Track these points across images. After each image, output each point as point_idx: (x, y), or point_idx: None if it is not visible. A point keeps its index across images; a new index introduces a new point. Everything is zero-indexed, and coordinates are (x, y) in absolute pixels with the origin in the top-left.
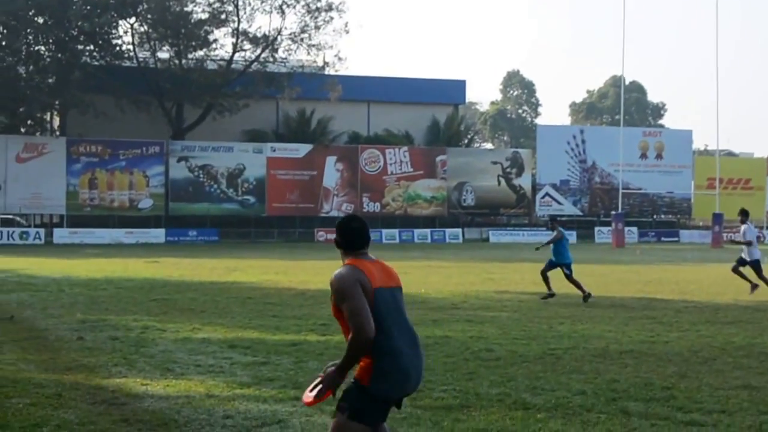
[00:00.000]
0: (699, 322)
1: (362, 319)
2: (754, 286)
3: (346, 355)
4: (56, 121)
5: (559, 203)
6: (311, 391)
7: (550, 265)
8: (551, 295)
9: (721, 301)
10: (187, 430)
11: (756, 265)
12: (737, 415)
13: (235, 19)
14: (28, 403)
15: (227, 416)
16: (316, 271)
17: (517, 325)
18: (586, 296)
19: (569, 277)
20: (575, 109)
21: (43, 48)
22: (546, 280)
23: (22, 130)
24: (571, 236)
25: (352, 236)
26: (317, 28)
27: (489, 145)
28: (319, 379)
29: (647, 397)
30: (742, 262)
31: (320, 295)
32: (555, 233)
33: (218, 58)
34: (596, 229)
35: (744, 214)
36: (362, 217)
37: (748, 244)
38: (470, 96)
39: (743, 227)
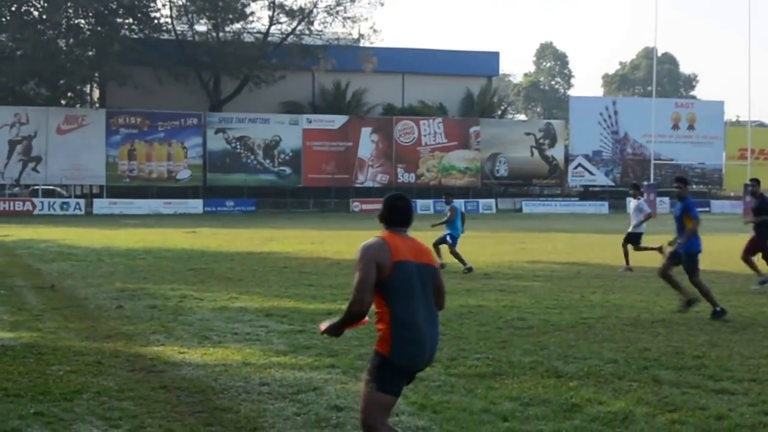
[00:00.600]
0: (730, 292)
1: (360, 293)
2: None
3: (342, 316)
4: (96, 94)
5: (591, 174)
6: (323, 325)
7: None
8: (468, 269)
9: (751, 271)
10: (224, 397)
11: (635, 238)
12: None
13: None
14: (68, 371)
15: (263, 383)
16: (351, 241)
17: (549, 295)
18: (468, 269)
19: (452, 248)
20: (608, 80)
21: (83, 21)
22: (457, 256)
23: (63, 102)
24: (603, 206)
25: (395, 214)
26: (353, 0)
27: (522, 117)
28: (329, 322)
29: (678, 366)
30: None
31: (355, 265)
32: (448, 212)
33: (255, 30)
34: (628, 199)
35: (635, 188)
36: (398, 187)
37: (648, 217)
38: (503, 68)
39: (635, 201)
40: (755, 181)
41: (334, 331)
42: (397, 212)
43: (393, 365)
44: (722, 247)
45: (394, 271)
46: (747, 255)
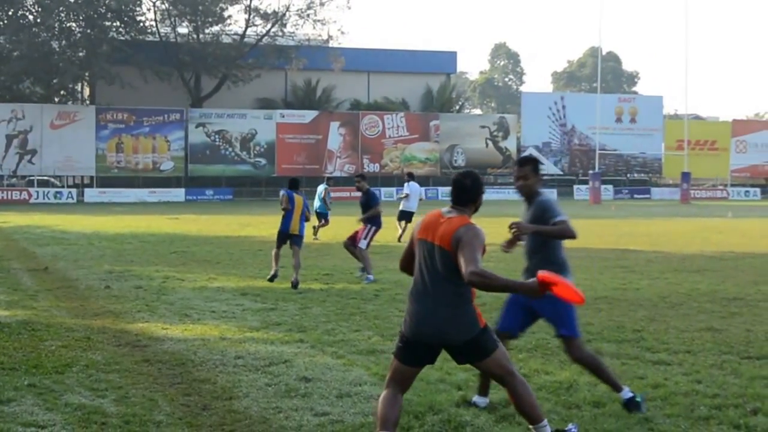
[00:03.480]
0: (667, 270)
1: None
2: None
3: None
4: (86, 91)
5: (541, 163)
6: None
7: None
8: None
9: (687, 251)
10: (202, 369)
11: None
12: (701, 355)
13: None
14: (59, 345)
15: (238, 357)
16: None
17: (502, 273)
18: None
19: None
20: (556, 77)
21: (74, 24)
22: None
23: (56, 99)
24: (552, 193)
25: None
26: (322, 4)
27: (478, 111)
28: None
29: (619, 339)
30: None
31: (324, 248)
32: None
33: (232, 32)
34: (575, 187)
35: (410, 176)
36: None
37: (406, 197)
38: (461, 66)
39: (407, 185)
40: (360, 177)
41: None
42: (452, 186)
43: (400, 332)
44: (661, 230)
45: (415, 247)
46: (351, 243)
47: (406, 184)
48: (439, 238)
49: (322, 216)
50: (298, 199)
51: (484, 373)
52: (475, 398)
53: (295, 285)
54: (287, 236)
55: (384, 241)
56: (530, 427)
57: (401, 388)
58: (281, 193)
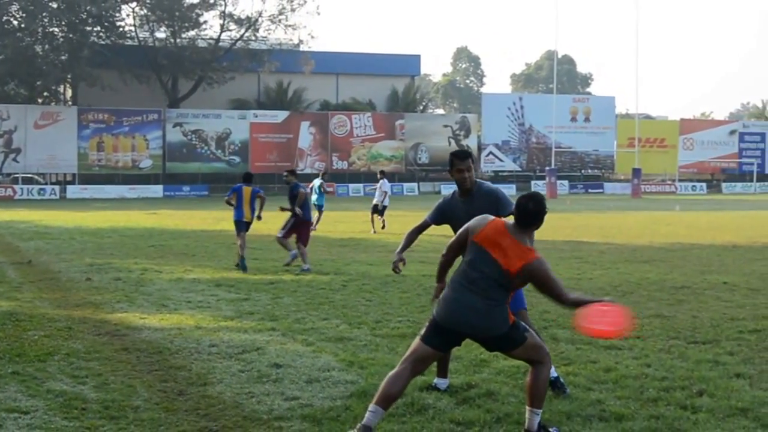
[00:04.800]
0: (619, 261)
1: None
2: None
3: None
4: (68, 93)
5: (501, 160)
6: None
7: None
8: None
9: (638, 243)
10: (178, 357)
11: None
12: (650, 340)
13: (223, 3)
14: (42, 335)
15: (213, 345)
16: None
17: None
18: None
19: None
20: (515, 79)
21: (56, 29)
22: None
23: (39, 101)
24: (511, 188)
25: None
26: (293, 10)
27: (441, 111)
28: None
29: (573, 326)
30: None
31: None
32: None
33: (208, 37)
34: (532, 182)
35: (382, 173)
36: (333, 173)
37: (385, 195)
38: (424, 69)
39: (381, 182)
40: (290, 172)
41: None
42: (519, 211)
43: (432, 318)
44: (613, 223)
45: (470, 245)
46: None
47: (383, 181)
48: (504, 259)
49: (320, 208)
50: (246, 190)
51: (517, 359)
52: (436, 380)
53: (241, 265)
54: (242, 223)
55: (351, 234)
56: (529, 408)
57: (416, 369)
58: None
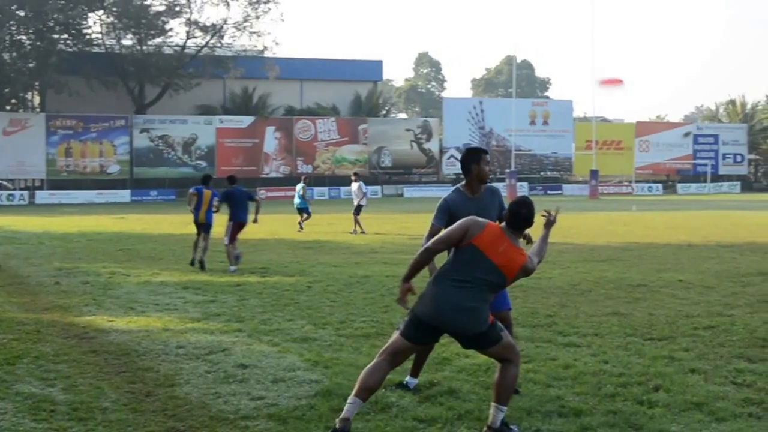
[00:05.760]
0: (577, 260)
1: (437, 237)
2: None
3: None
4: (37, 100)
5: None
6: None
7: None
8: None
9: (596, 242)
10: (146, 359)
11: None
12: (607, 337)
13: (188, 10)
14: (11, 338)
15: (180, 346)
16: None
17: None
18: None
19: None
20: (476, 84)
21: (24, 37)
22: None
23: (8, 108)
24: None
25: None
26: (257, 17)
27: (403, 115)
28: None
29: (533, 324)
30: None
31: (261, 243)
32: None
33: (173, 44)
34: (493, 184)
35: (356, 175)
36: (298, 177)
37: (363, 196)
38: (387, 74)
39: (355, 184)
40: (228, 178)
41: None
42: (512, 216)
43: (412, 312)
44: (572, 224)
45: (466, 246)
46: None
47: (360, 183)
48: (503, 263)
49: (303, 210)
50: (207, 193)
51: (489, 356)
52: (408, 379)
53: (201, 264)
54: (199, 225)
55: (315, 236)
56: (495, 404)
57: (394, 361)
58: (190, 190)
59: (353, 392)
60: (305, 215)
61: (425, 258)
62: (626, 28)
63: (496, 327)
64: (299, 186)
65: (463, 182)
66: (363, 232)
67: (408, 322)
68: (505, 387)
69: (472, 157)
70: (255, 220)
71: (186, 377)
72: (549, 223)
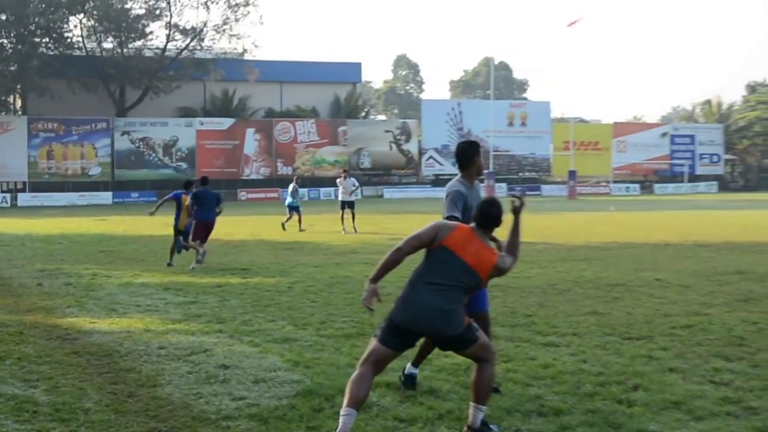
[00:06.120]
0: (556, 260)
1: (409, 237)
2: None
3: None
4: (18, 103)
5: (441, 164)
6: None
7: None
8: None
9: (574, 242)
10: (128, 360)
11: (350, 205)
12: (586, 337)
13: (168, 13)
14: None
15: (161, 347)
16: (238, 225)
17: (405, 266)
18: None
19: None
20: (454, 85)
21: (5, 41)
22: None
23: None
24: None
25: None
26: (237, 20)
27: (382, 117)
28: None
29: (512, 323)
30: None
31: (242, 244)
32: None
33: (154, 47)
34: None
35: (346, 172)
36: (278, 179)
37: (350, 193)
38: (366, 76)
39: (344, 181)
40: (202, 180)
41: None
42: (481, 215)
43: (389, 318)
44: (551, 223)
45: (437, 249)
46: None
47: (351, 179)
48: (476, 264)
49: (294, 209)
50: (185, 198)
51: (466, 357)
52: (408, 367)
53: (185, 249)
54: (178, 231)
55: (295, 238)
56: (474, 404)
57: (375, 369)
58: (167, 195)
59: (345, 402)
60: (295, 214)
61: (396, 257)
62: (602, 29)
63: (472, 328)
64: (291, 186)
65: (459, 174)
66: (356, 231)
67: (385, 328)
68: (482, 386)
69: (474, 149)
70: (217, 213)
71: (168, 378)
72: (517, 209)
